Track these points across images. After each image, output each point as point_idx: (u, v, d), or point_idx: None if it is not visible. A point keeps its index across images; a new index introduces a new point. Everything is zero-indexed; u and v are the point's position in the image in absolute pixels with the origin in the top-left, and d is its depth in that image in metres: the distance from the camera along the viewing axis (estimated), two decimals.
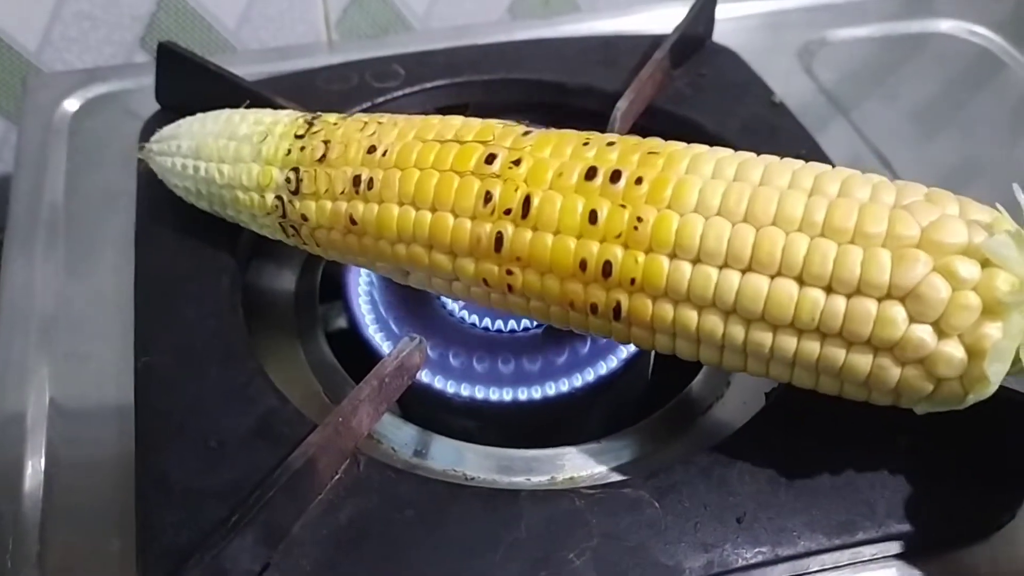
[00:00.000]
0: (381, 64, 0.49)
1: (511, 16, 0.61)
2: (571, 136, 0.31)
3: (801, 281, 0.26)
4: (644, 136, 0.32)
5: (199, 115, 0.38)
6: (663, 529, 0.29)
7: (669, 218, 0.27)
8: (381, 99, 0.47)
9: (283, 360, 0.38)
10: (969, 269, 0.25)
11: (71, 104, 0.49)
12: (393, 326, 0.37)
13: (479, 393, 0.35)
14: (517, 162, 0.30)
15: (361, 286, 0.39)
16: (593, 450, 0.34)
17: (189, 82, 0.44)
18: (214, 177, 0.35)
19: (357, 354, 0.37)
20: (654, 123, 0.44)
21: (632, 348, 0.36)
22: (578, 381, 0.36)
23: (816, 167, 0.28)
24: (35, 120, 0.48)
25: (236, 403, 0.32)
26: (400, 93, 0.47)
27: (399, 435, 0.35)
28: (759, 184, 0.27)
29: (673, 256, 0.27)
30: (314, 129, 0.34)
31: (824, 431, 0.31)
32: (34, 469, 0.33)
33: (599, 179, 0.29)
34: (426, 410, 0.36)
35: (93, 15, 0.54)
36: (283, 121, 0.35)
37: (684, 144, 0.30)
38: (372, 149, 0.32)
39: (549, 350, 0.36)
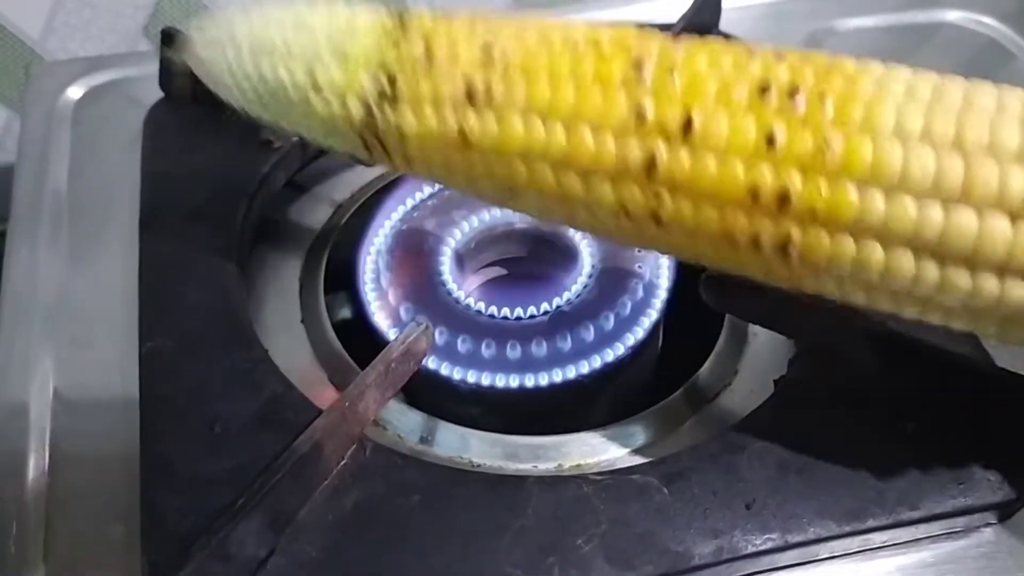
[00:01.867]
0: None
1: (516, 6, 0.61)
2: (728, 46, 0.26)
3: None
4: None
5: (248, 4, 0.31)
6: (672, 515, 0.29)
7: (862, 143, 0.24)
8: None
9: (288, 346, 0.37)
10: None
11: (74, 92, 0.49)
12: (400, 312, 0.37)
13: (486, 379, 0.35)
14: (670, 73, 0.25)
15: (368, 273, 0.39)
16: (600, 437, 0.34)
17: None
18: (280, 77, 0.29)
19: (363, 341, 0.37)
20: None
21: (639, 335, 0.36)
22: (585, 368, 0.35)
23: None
24: (38, 108, 0.48)
25: (241, 389, 0.32)
26: None
27: (405, 421, 0.35)
28: (961, 109, 0.24)
29: (865, 185, 0.24)
30: (408, 27, 0.28)
31: (832, 418, 0.31)
32: (38, 456, 0.33)
33: (773, 96, 0.25)
34: (432, 396, 0.36)
35: (96, 3, 0.54)
36: (362, 15, 0.29)
37: (857, 60, 0.26)
38: (488, 51, 0.27)
39: (556, 337, 0.36)
